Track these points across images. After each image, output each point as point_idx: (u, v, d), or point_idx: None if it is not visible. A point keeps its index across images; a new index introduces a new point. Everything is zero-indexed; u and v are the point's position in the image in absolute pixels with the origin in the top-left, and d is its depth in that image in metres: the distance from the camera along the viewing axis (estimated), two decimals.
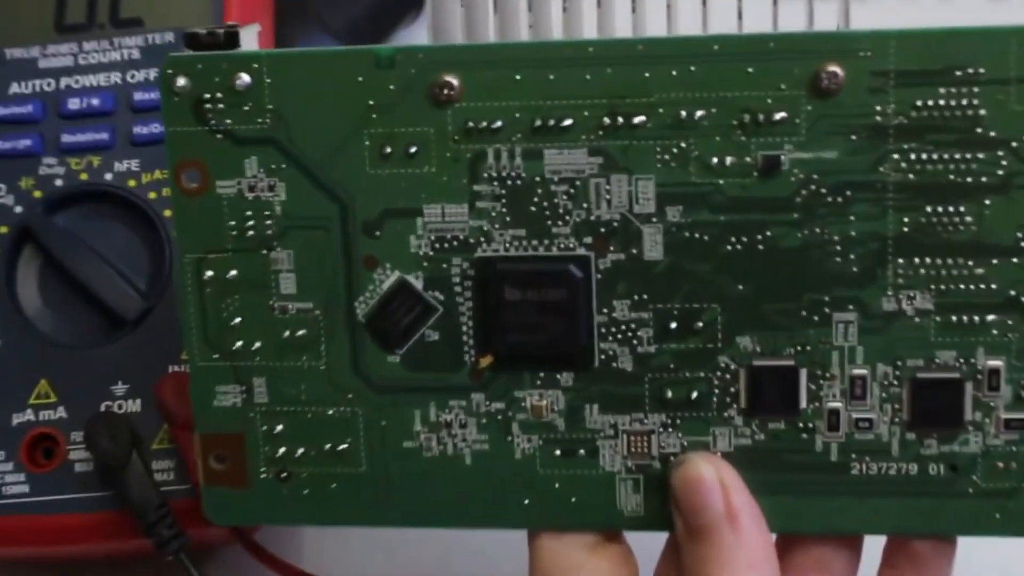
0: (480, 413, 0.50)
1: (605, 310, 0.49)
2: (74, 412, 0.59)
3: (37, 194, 0.61)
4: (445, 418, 0.50)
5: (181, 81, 0.49)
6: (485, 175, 0.48)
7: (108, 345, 0.59)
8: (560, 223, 0.48)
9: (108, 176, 0.61)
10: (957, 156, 0.46)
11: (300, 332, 0.50)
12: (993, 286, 0.46)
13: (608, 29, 0.57)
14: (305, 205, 0.49)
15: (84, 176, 0.61)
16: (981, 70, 0.45)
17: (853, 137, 0.46)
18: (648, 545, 0.50)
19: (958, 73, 0.45)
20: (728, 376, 0.49)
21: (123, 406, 0.59)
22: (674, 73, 0.46)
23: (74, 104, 0.62)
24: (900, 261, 0.47)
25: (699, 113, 0.47)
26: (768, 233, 0.47)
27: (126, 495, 0.57)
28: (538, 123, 0.47)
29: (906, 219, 0.46)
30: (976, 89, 0.45)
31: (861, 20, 0.55)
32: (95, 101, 0.62)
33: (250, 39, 0.49)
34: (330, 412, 0.51)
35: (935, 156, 0.46)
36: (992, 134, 0.45)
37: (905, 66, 0.45)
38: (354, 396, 0.51)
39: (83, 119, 0.62)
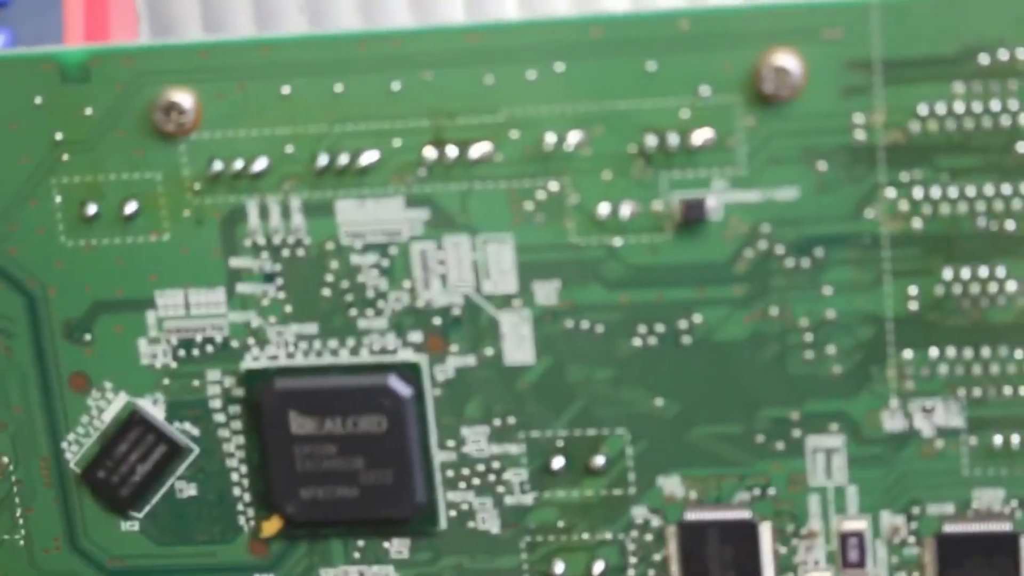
0: None
1: (451, 443, 0.48)
2: None
3: None
4: None
5: None
6: (248, 243, 0.47)
7: None
8: (371, 312, 0.47)
9: None
10: (989, 190, 0.44)
11: None
12: None
13: (428, 10, 0.56)
14: None
15: None
16: (1020, 53, 0.43)
17: (821, 165, 0.44)
18: None
19: (983, 59, 0.43)
20: (648, 537, 0.48)
21: None
22: (532, 76, 0.45)
23: None
24: (907, 355, 0.45)
25: (575, 137, 0.45)
26: (697, 319, 0.46)
27: None
28: (323, 160, 0.46)
29: (913, 290, 0.45)
30: (1014, 84, 0.43)
31: None
32: None
33: None
34: None
35: (953, 191, 0.44)
36: None
37: (899, 52, 0.44)
38: None
39: None
